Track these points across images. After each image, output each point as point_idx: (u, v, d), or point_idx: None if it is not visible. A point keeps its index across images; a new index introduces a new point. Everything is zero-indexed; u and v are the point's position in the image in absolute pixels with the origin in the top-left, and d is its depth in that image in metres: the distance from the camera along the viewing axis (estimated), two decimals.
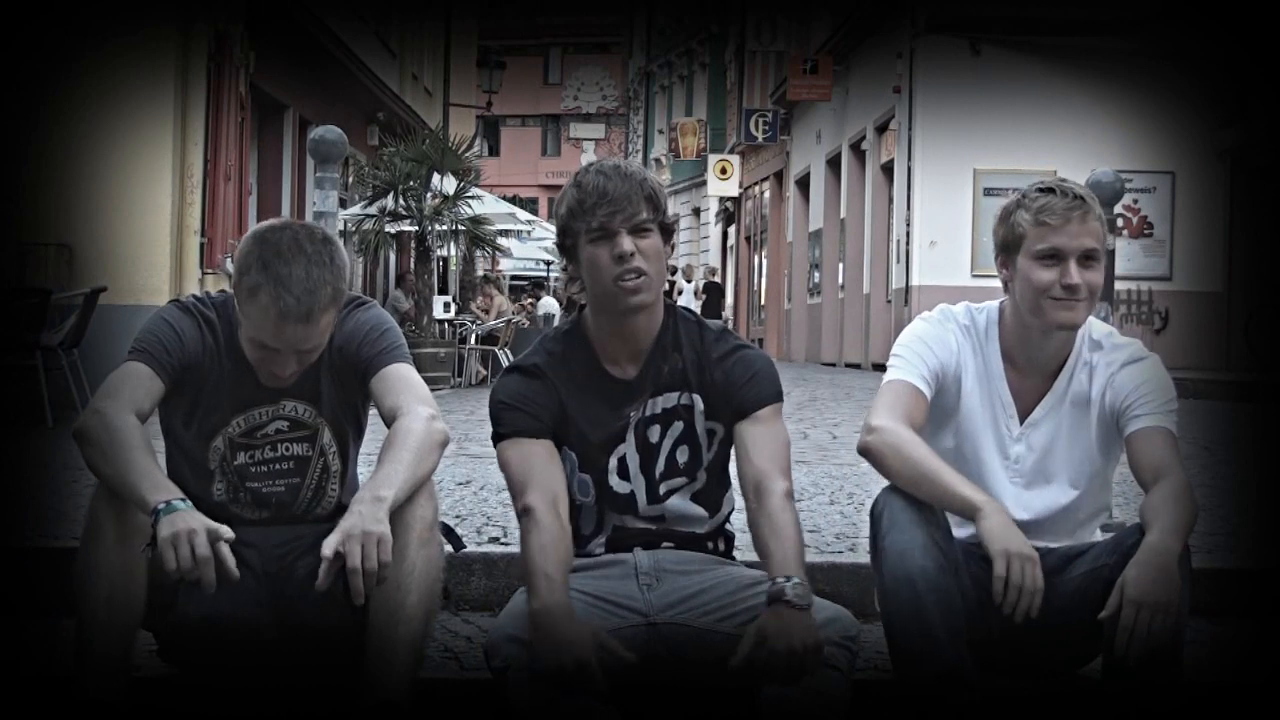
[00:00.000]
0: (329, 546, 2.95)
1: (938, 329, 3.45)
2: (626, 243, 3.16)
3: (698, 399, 3.32)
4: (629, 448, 3.30)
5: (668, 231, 3.26)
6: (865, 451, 3.32)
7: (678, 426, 3.32)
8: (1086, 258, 3.32)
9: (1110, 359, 3.41)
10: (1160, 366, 3.42)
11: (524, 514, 3.17)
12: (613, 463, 3.31)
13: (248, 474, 3.35)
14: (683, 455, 3.33)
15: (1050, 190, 3.35)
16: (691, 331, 3.35)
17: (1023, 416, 3.44)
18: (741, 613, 3.18)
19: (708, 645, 3.19)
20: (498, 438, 3.28)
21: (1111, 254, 5.20)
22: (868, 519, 3.37)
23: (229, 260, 13.59)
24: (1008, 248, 3.39)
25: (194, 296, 3.40)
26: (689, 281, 31.66)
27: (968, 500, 3.17)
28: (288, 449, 3.36)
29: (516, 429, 3.25)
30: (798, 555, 3.09)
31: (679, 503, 3.34)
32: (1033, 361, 3.43)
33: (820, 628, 3.02)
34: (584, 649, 2.92)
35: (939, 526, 3.22)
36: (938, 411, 3.43)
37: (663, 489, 3.32)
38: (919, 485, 3.22)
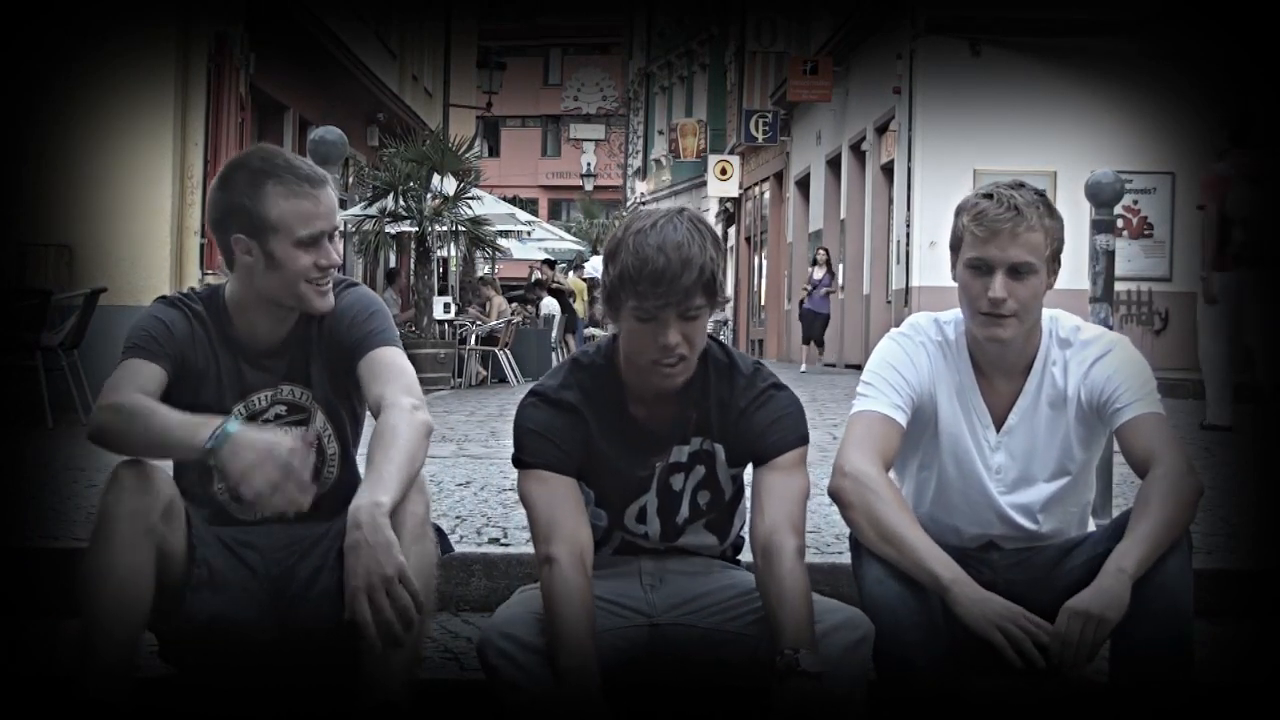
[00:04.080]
0: (352, 609, 2.93)
1: (908, 348, 3.39)
2: (673, 335, 3.00)
3: (719, 448, 3.24)
4: (650, 496, 3.25)
5: (716, 305, 3.06)
6: (835, 496, 3.26)
7: (699, 471, 3.25)
8: (1016, 270, 3.24)
9: (1081, 355, 3.36)
10: (1130, 350, 3.37)
11: (547, 563, 3.05)
12: (633, 509, 3.26)
13: None
14: (704, 499, 3.28)
15: (989, 195, 3.26)
16: (722, 377, 3.21)
17: (998, 423, 3.40)
18: (745, 614, 3.18)
19: (711, 645, 3.19)
20: (520, 464, 3.17)
21: (1111, 255, 5.20)
22: None
23: None
24: (953, 249, 3.34)
25: (179, 292, 3.40)
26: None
27: (935, 578, 3.10)
28: (287, 433, 3.34)
29: (544, 461, 3.13)
30: (809, 624, 2.98)
31: (692, 537, 3.32)
32: (998, 365, 3.39)
33: (833, 631, 3.01)
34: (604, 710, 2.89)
35: None
36: (916, 431, 3.38)
37: (677, 529, 3.29)
38: (886, 551, 3.17)
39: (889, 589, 3.14)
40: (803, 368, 21.92)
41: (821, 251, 22.46)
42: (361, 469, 3.43)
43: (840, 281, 23.91)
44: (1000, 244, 3.24)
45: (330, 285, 3.27)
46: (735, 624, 3.18)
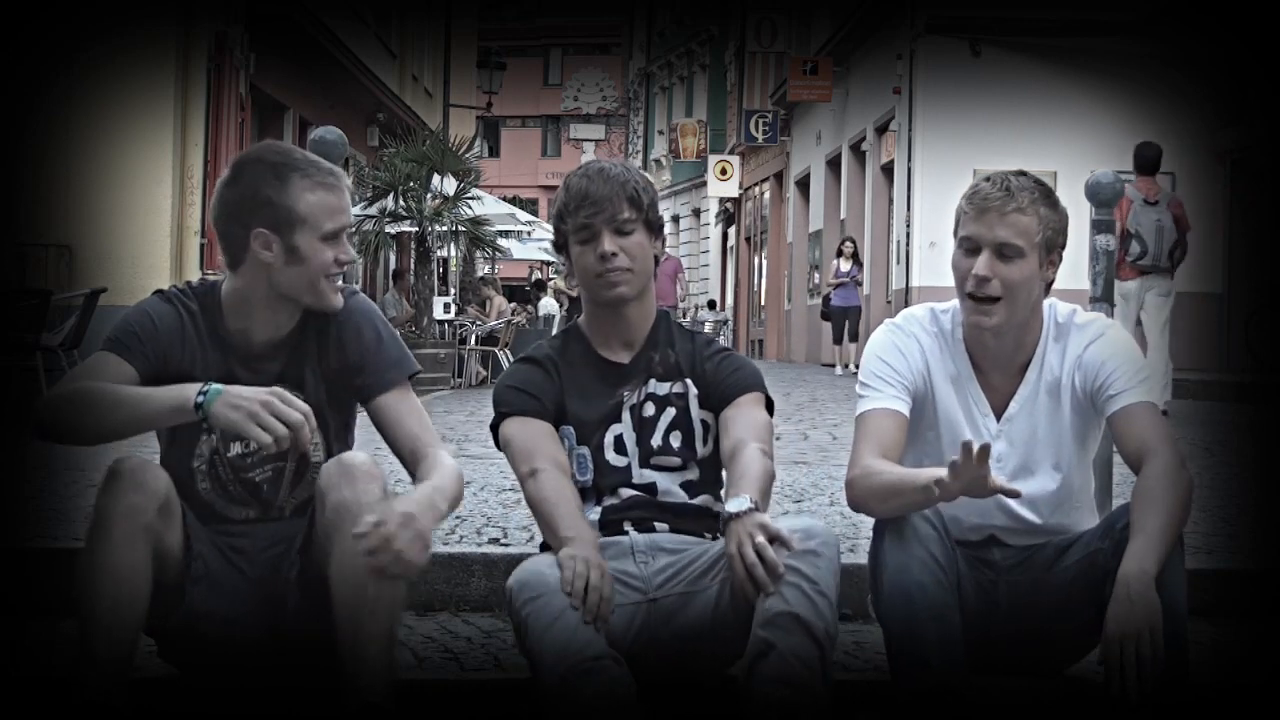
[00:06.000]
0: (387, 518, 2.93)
1: (898, 337, 3.41)
2: (608, 242, 3.35)
3: (691, 384, 3.46)
4: (625, 427, 3.43)
5: (654, 227, 3.42)
6: (853, 506, 3.33)
7: (671, 412, 3.45)
8: (1002, 252, 3.26)
9: (1076, 340, 3.36)
10: (1122, 334, 3.38)
11: (533, 474, 3.30)
12: (608, 438, 3.42)
13: (241, 465, 3.30)
14: (676, 440, 3.44)
15: (989, 179, 3.31)
16: (682, 335, 3.54)
17: (998, 412, 3.40)
18: (725, 567, 3.23)
19: (694, 606, 3.26)
20: (501, 417, 3.42)
21: (1111, 254, 5.19)
22: (867, 520, 3.36)
23: None
24: (955, 234, 3.37)
25: (175, 287, 3.35)
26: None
27: (922, 489, 3.11)
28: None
29: (520, 409, 3.40)
30: (754, 482, 3.19)
31: (669, 484, 3.41)
32: (995, 362, 3.39)
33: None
34: (607, 576, 3.11)
35: (938, 540, 3.20)
36: (914, 419, 3.38)
37: (654, 461, 3.42)
38: (895, 505, 3.19)
39: (908, 580, 3.13)
40: (845, 367, 20.74)
41: (849, 244, 21.74)
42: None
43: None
44: (988, 223, 3.26)
45: (340, 283, 3.26)
46: (716, 579, 3.25)
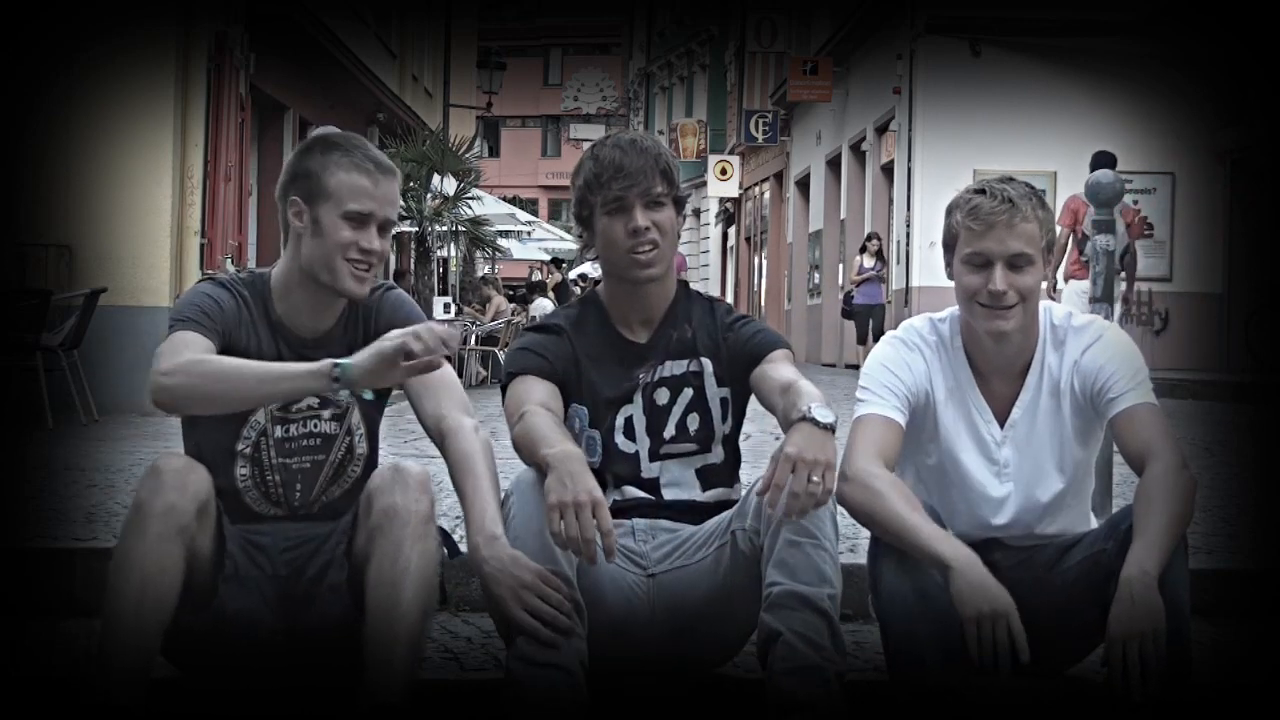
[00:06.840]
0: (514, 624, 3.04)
1: (902, 350, 3.41)
2: (641, 217, 3.29)
3: (707, 363, 3.41)
4: (636, 409, 3.39)
5: (680, 204, 3.37)
6: (841, 502, 3.29)
7: (688, 393, 3.41)
8: (1014, 263, 3.27)
9: (1074, 343, 3.37)
10: (1120, 335, 3.39)
11: (520, 419, 3.23)
12: (619, 421, 3.39)
13: (283, 449, 3.29)
14: (694, 423, 3.41)
15: (982, 191, 3.31)
16: (702, 306, 3.49)
17: (1001, 419, 3.40)
18: (721, 533, 3.25)
19: (695, 579, 3.27)
20: (508, 379, 3.36)
21: (1111, 254, 5.20)
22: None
23: (229, 261, 13.59)
24: (948, 247, 3.37)
25: (227, 273, 3.40)
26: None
27: (939, 558, 3.10)
28: (316, 425, 3.32)
29: (523, 367, 3.35)
30: (824, 400, 3.13)
31: (683, 471, 3.40)
32: (996, 367, 3.39)
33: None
34: (596, 488, 3.01)
35: None
36: (915, 431, 3.39)
37: (665, 450, 3.39)
38: (895, 542, 3.18)
39: (904, 584, 3.14)
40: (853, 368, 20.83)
41: (874, 240, 21.08)
42: (383, 456, 3.42)
43: (840, 281, 23.76)
44: (997, 237, 3.26)
45: (370, 274, 3.27)
46: (712, 546, 3.27)
